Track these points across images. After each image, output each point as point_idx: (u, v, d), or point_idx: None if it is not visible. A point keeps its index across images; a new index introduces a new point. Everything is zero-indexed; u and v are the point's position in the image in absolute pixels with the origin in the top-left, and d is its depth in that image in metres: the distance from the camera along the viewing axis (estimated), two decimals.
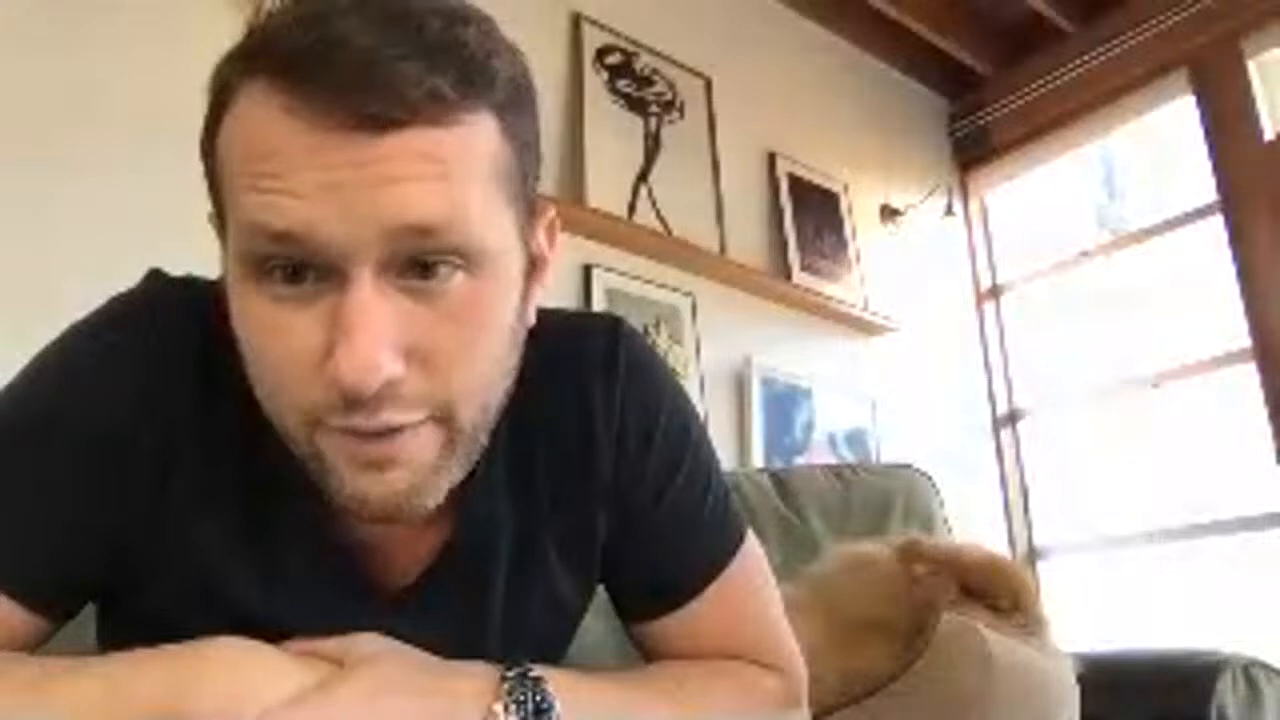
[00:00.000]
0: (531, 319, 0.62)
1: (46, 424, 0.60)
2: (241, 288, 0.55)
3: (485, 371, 0.57)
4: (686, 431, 0.74)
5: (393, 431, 0.54)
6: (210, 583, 0.63)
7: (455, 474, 0.58)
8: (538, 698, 0.61)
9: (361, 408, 0.52)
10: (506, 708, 0.59)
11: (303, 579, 0.65)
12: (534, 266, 0.62)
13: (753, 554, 0.78)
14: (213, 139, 0.56)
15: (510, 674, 0.61)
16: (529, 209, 0.60)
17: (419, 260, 0.53)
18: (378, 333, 0.51)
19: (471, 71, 0.53)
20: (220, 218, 0.57)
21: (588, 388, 0.70)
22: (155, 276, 0.67)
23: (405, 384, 0.53)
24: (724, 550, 0.75)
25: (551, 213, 0.64)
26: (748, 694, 0.73)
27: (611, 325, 0.73)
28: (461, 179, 0.53)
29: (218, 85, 0.55)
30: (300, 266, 0.52)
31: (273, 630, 0.59)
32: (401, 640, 0.62)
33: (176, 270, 0.68)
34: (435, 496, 0.58)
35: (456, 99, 0.52)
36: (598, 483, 0.71)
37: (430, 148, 0.51)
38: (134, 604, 0.65)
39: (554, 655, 0.76)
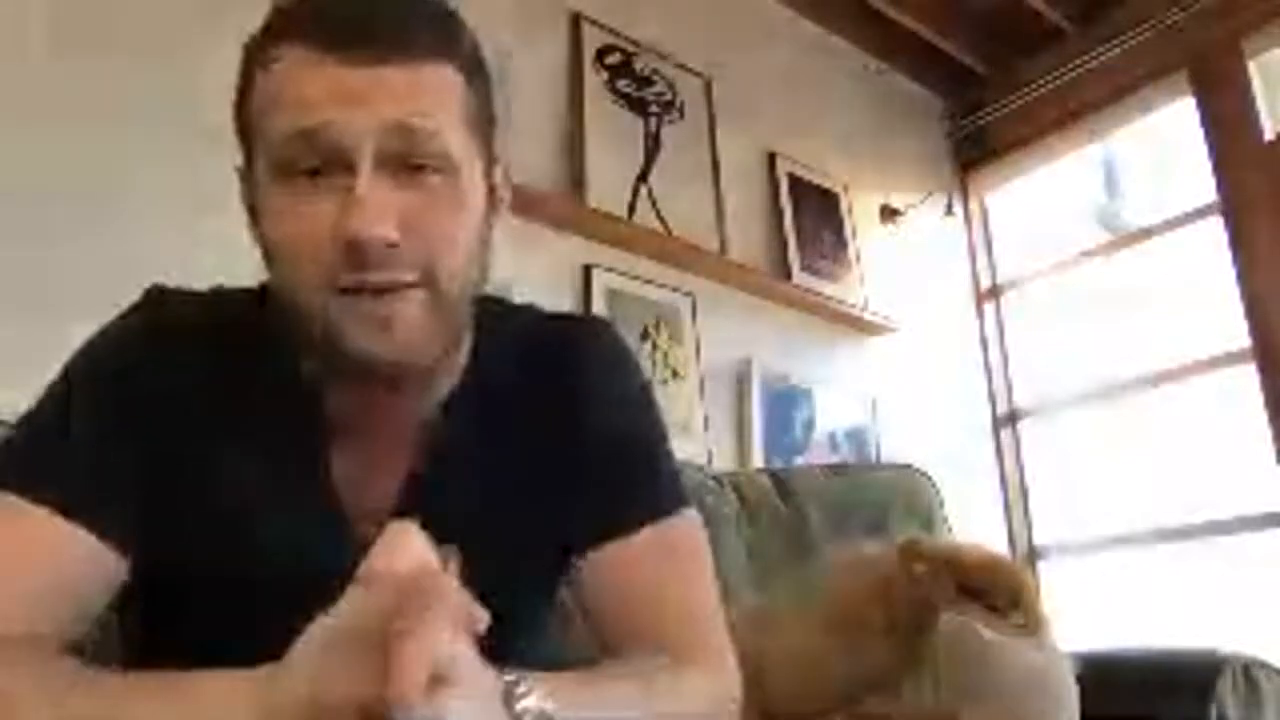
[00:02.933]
0: (491, 241, 0.76)
1: (76, 387, 0.74)
2: (272, 193, 0.69)
3: (460, 251, 0.71)
4: (653, 403, 0.87)
5: (393, 290, 0.67)
6: (223, 509, 0.72)
7: (441, 339, 0.71)
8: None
9: (368, 266, 0.66)
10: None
11: (285, 511, 0.73)
12: (492, 202, 0.76)
13: (697, 530, 0.83)
14: (245, 96, 0.71)
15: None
16: (489, 155, 0.75)
17: (408, 163, 0.68)
18: (378, 204, 0.66)
19: (445, 37, 0.71)
20: (249, 158, 0.72)
21: (565, 356, 0.82)
22: (150, 289, 0.80)
23: (401, 249, 0.67)
24: (670, 501, 0.82)
25: (502, 174, 0.79)
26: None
27: (597, 318, 0.90)
28: (437, 103, 0.69)
29: (251, 52, 0.71)
30: (318, 166, 0.66)
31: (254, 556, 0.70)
32: None
33: None
34: (427, 356, 0.71)
35: (436, 51, 0.69)
36: (568, 435, 0.79)
37: (415, 78, 0.68)
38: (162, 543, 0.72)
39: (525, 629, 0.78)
